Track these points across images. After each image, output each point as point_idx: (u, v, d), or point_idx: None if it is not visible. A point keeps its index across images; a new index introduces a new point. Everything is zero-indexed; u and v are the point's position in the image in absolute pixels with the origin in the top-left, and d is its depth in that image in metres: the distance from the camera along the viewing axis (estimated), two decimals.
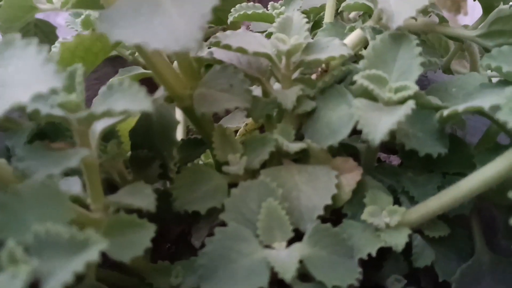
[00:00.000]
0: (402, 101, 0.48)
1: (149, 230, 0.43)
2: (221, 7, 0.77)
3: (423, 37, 0.74)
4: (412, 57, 0.50)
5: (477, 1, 0.72)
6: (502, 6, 0.63)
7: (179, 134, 0.67)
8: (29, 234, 0.35)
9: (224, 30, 0.68)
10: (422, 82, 0.75)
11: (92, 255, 0.31)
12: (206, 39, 0.57)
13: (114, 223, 0.43)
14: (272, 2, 0.78)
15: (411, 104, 0.46)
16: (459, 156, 0.55)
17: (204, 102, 0.51)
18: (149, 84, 0.58)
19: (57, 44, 0.51)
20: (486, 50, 0.69)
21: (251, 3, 0.78)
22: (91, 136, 0.45)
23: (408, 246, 0.52)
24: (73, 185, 0.48)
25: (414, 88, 0.48)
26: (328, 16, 0.71)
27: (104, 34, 0.41)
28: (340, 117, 0.52)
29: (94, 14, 0.71)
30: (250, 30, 0.83)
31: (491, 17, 0.66)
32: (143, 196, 0.45)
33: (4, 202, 0.37)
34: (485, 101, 0.46)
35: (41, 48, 0.35)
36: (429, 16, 0.70)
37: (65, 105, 0.42)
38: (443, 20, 0.71)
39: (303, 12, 0.75)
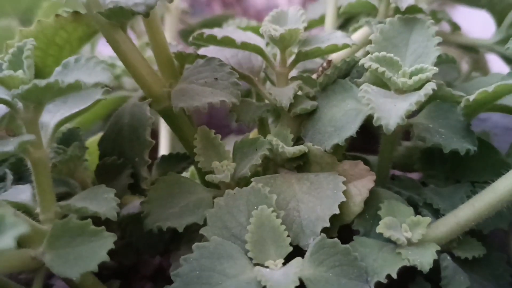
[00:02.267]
0: (418, 87, 0.40)
1: (107, 240, 0.34)
2: (212, 26, 0.71)
3: None
4: (427, 38, 0.43)
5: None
6: None
7: (164, 150, 0.59)
8: None
9: None
10: None
11: (5, 241, 0.22)
12: None
13: (60, 230, 0.33)
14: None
15: (431, 85, 0.38)
16: (489, 162, 0.46)
17: (183, 97, 0.44)
18: None
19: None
20: (504, 57, 0.63)
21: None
22: (42, 128, 0.36)
23: (436, 268, 0.42)
24: (22, 194, 0.39)
25: (432, 69, 0.40)
26: (329, 26, 0.64)
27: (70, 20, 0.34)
28: (346, 112, 0.44)
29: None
30: None
31: (507, 21, 0.60)
32: (102, 201, 0.36)
33: None
34: None
35: None
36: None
37: (8, 81, 0.34)
38: (456, 28, 0.65)
39: None
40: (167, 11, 0.78)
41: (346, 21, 0.71)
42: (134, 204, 0.50)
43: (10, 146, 0.31)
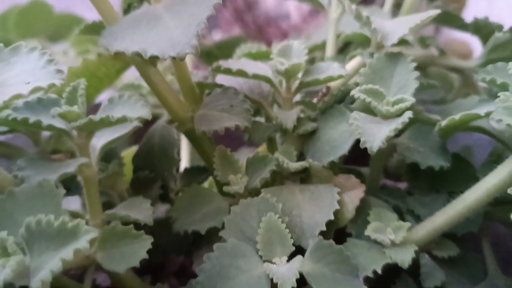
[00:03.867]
0: (399, 114, 0.48)
1: (146, 242, 0.42)
2: (226, 48, 0.80)
3: (425, 71, 0.76)
4: (408, 72, 0.51)
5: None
6: (497, 34, 0.64)
7: (184, 163, 0.68)
8: (21, 229, 0.35)
9: None
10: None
11: (81, 243, 0.31)
12: None
13: (108, 234, 0.42)
14: (276, 42, 0.81)
15: (408, 114, 0.46)
16: (463, 174, 0.54)
17: (204, 122, 0.52)
18: None
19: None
20: (484, 81, 0.70)
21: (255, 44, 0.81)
22: (91, 151, 0.45)
23: (417, 267, 0.50)
24: (73, 203, 0.48)
25: (411, 100, 0.48)
26: (329, 51, 0.73)
27: (110, 58, 0.42)
28: (341, 134, 0.52)
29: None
30: None
31: (488, 45, 0.67)
32: (140, 210, 0.45)
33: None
34: (481, 110, 0.46)
35: (44, 52, 0.37)
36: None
37: (66, 115, 0.43)
38: (442, 52, 0.73)
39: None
40: None
41: (345, 45, 0.79)
42: (161, 210, 0.59)
43: (71, 168, 0.40)
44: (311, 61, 0.78)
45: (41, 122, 0.41)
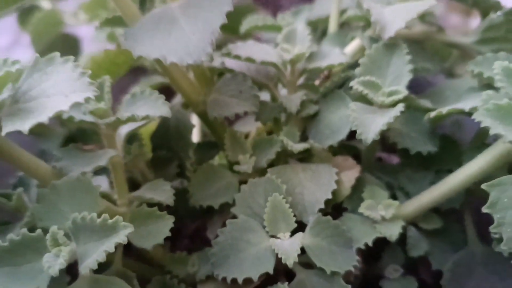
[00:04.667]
0: (393, 104, 0.53)
1: (168, 221, 0.49)
2: (233, 17, 0.84)
3: (422, 44, 0.79)
4: (403, 64, 0.55)
5: None
6: (492, 16, 0.68)
7: (195, 138, 0.73)
8: (66, 221, 0.41)
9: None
10: (423, 85, 0.80)
11: (120, 237, 0.37)
12: (220, 47, 0.63)
13: (137, 215, 0.49)
14: (281, 14, 0.84)
15: (400, 107, 0.51)
16: (450, 154, 0.59)
17: (216, 107, 0.57)
18: (167, 92, 0.64)
19: (84, 56, 0.58)
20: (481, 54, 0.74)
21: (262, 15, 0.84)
22: (117, 139, 0.51)
23: (405, 238, 0.57)
24: (101, 183, 0.54)
25: (404, 92, 0.53)
26: (332, 26, 0.76)
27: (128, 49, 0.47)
28: (340, 118, 0.57)
29: (118, 30, 0.77)
30: (259, 39, 0.88)
31: (483, 25, 0.71)
32: (162, 192, 0.51)
33: (44, 195, 0.43)
34: (467, 104, 0.51)
35: (77, 64, 0.41)
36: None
37: (95, 112, 0.48)
38: (440, 29, 0.76)
39: (311, 23, 0.81)
40: None
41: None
42: (177, 182, 0.65)
43: (103, 161, 0.46)
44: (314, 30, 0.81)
45: (74, 117, 0.47)
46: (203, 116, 0.61)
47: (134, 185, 0.60)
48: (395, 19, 0.57)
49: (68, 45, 1.02)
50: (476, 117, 0.45)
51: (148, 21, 0.49)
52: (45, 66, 0.42)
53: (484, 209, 0.43)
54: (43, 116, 0.37)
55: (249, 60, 0.59)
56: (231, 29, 0.88)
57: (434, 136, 0.57)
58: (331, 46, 0.71)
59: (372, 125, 0.51)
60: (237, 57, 0.59)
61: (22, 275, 0.37)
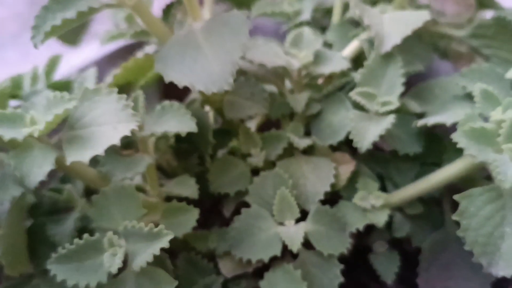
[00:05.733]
0: (387, 113, 0.62)
1: (195, 213, 0.59)
2: None
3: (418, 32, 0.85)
4: (397, 76, 0.63)
5: None
6: (483, 18, 0.74)
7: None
8: (115, 222, 0.51)
9: None
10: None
11: (164, 243, 0.47)
12: None
13: (169, 209, 0.59)
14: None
15: (391, 118, 0.60)
16: (434, 149, 0.69)
17: (232, 109, 0.66)
18: None
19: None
20: (472, 49, 0.81)
21: None
22: (149, 143, 0.60)
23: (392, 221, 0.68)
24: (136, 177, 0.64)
25: (396, 103, 0.61)
26: (335, 18, 0.83)
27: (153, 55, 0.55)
28: (340, 120, 0.66)
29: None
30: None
31: (475, 22, 0.77)
32: (188, 187, 0.61)
33: (96, 200, 0.53)
34: (450, 117, 0.60)
35: (121, 96, 0.49)
36: None
37: None
38: (434, 21, 0.83)
39: (316, 9, 0.87)
40: None
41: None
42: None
43: (141, 168, 0.55)
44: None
45: None
46: (219, 112, 0.69)
47: (160, 169, 0.70)
48: (392, 34, 0.64)
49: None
50: (454, 137, 0.54)
51: (175, 45, 0.56)
52: (93, 95, 0.50)
53: (453, 217, 0.53)
54: (100, 149, 0.46)
55: (261, 65, 0.66)
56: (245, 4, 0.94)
57: (420, 138, 0.65)
58: (335, 38, 0.78)
59: (367, 134, 0.60)
60: (251, 61, 0.67)
61: (86, 270, 0.48)
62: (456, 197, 0.53)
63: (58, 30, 0.53)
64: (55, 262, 0.48)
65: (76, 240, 0.49)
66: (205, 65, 0.53)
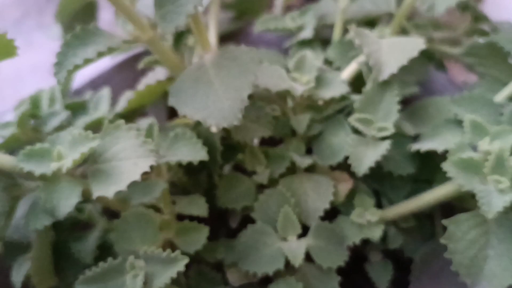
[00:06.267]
0: (383, 138, 0.67)
1: (205, 232, 0.64)
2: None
3: None
4: (393, 103, 0.67)
5: None
6: (476, 41, 0.78)
7: None
8: (134, 244, 0.57)
9: None
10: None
11: (180, 266, 0.53)
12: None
13: (182, 228, 0.64)
14: (290, 13, 0.93)
15: (387, 144, 0.65)
16: (427, 168, 0.73)
17: (239, 131, 0.70)
18: None
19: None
20: (467, 66, 0.85)
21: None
22: (163, 169, 0.65)
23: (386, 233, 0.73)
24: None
25: (391, 130, 0.66)
26: (336, 35, 0.87)
27: (163, 82, 0.60)
28: (339, 143, 0.71)
29: None
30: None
31: (469, 43, 0.82)
32: (198, 206, 0.66)
33: (117, 225, 0.58)
34: (441, 144, 0.65)
35: (139, 133, 0.54)
36: None
37: None
38: (431, 39, 0.87)
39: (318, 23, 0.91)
40: None
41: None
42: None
43: (156, 192, 0.60)
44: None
45: None
46: (226, 130, 0.74)
47: (171, 184, 0.75)
48: (389, 63, 0.68)
49: (88, 14, 1.12)
50: (444, 167, 0.59)
51: (187, 79, 0.60)
52: (114, 131, 0.55)
53: (442, 240, 0.58)
54: (123, 185, 0.51)
55: (266, 89, 0.71)
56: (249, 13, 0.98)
57: (414, 158, 0.70)
58: (335, 55, 0.83)
59: (364, 159, 0.65)
60: (256, 86, 0.71)
61: None
62: (444, 222, 0.59)
63: (80, 67, 0.57)
64: (82, 283, 0.54)
65: (101, 264, 0.54)
66: (216, 101, 0.58)
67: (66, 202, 0.52)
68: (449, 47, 0.87)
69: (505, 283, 0.56)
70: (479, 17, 0.88)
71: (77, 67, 0.56)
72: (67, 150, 0.54)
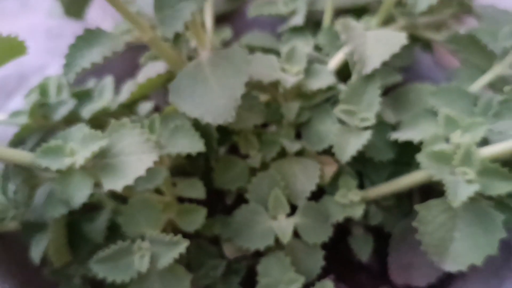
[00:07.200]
0: (366, 128, 0.73)
1: (203, 213, 0.72)
2: None
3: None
4: (375, 96, 0.73)
5: None
6: (456, 33, 0.83)
7: None
8: (140, 227, 0.64)
9: None
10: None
11: (182, 248, 0.60)
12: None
13: (182, 209, 0.71)
14: None
15: (368, 134, 0.71)
16: (406, 152, 0.80)
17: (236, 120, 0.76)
18: None
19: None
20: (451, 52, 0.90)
21: None
22: (165, 158, 0.71)
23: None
24: None
25: (372, 120, 0.72)
26: (326, 21, 0.91)
27: (165, 74, 0.66)
28: (325, 130, 0.77)
29: None
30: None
31: (450, 32, 0.87)
32: (197, 189, 0.73)
33: (125, 210, 0.65)
34: (418, 134, 0.71)
35: (143, 131, 0.60)
36: None
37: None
38: (415, 25, 0.91)
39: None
40: None
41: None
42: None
43: (159, 179, 0.67)
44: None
45: None
46: None
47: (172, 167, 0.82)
48: (373, 57, 0.73)
49: None
50: (418, 158, 0.66)
51: (186, 77, 0.66)
52: (120, 129, 0.61)
53: (414, 223, 0.66)
54: (130, 179, 0.57)
55: (259, 81, 0.76)
56: None
57: (394, 145, 0.77)
58: (325, 42, 0.88)
59: (347, 147, 0.71)
60: (250, 76, 0.76)
61: (120, 269, 0.61)
62: (416, 207, 0.66)
63: (87, 69, 0.62)
64: (96, 262, 0.61)
65: (112, 246, 0.62)
66: (212, 98, 0.64)
67: (80, 193, 0.58)
68: (434, 32, 0.91)
69: (468, 262, 0.64)
70: (463, 1, 0.92)
71: (85, 70, 0.62)
72: (79, 146, 0.60)
